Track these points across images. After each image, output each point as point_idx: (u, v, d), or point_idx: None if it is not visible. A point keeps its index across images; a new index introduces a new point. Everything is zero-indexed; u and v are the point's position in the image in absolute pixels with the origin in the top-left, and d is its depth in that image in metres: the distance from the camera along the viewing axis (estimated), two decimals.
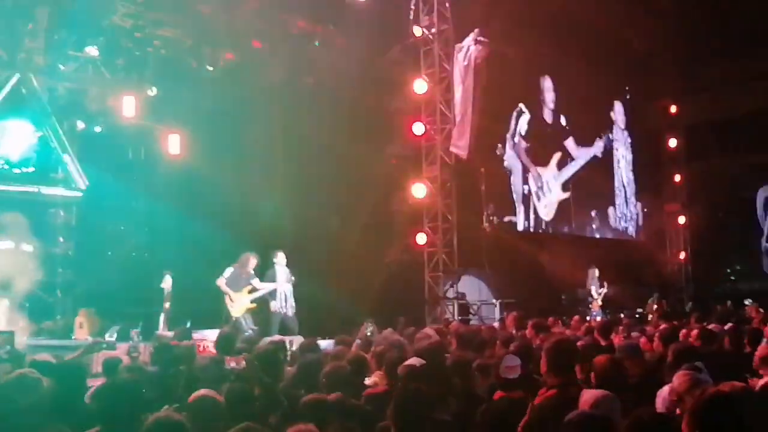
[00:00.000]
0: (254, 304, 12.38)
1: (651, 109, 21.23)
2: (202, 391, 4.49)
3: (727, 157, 20.45)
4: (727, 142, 20.27)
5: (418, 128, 15.25)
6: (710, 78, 19.99)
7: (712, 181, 20.75)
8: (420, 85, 15.26)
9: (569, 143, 18.55)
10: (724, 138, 20.23)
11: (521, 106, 17.50)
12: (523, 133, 17.42)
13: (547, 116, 18.30)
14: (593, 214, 19.35)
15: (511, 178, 17.15)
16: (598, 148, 19.40)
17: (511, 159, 17.19)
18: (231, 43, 15.28)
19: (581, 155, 18.77)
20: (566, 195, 18.07)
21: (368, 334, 12.01)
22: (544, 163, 17.89)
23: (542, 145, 17.94)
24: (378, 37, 15.24)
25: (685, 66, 20.48)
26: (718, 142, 20.42)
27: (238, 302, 12.17)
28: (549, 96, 18.32)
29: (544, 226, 17.70)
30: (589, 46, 17.49)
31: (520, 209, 17.20)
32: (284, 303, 12.53)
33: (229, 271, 12.29)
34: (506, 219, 16.83)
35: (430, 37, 15.37)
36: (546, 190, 17.66)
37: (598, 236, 19.44)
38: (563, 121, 18.49)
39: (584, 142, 19.04)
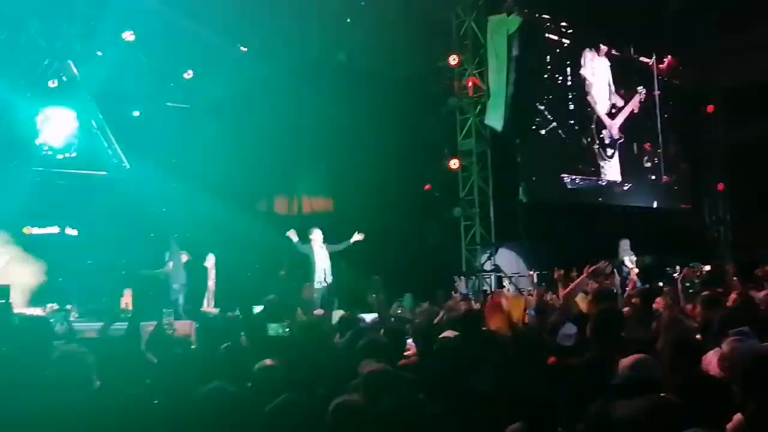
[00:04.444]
0: None
1: (688, 73, 20.88)
2: (260, 363, 4.63)
3: (767, 122, 20.07)
4: (766, 106, 19.87)
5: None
6: (749, 39, 19.59)
7: (752, 145, 20.38)
8: (453, 58, 15.23)
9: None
10: (764, 101, 19.83)
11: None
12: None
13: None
14: (634, 183, 19.19)
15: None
16: (634, 102, 19.27)
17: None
18: (264, 23, 15.35)
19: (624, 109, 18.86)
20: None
21: (399, 312, 12.13)
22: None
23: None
24: (410, 11, 15.20)
25: (722, 27, 20.07)
26: (758, 105, 20.02)
27: None
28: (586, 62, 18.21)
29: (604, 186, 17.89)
30: (622, 8, 17.26)
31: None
32: (323, 278, 12.68)
33: None
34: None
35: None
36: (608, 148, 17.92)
37: (643, 205, 19.31)
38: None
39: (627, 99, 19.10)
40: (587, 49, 18.29)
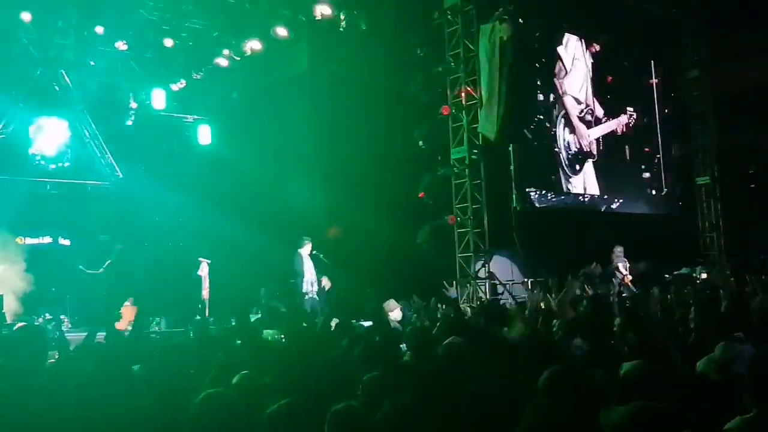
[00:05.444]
0: None
1: (679, 80, 20.94)
2: (244, 372, 4.60)
3: (759, 128, 20.17)
4: (758, 111, 19.97)
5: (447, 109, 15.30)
6: (739, 47, 19.70)
7: (744, 151, 20.46)
8: (446, 67, 15.24)
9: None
10: (755, 108, 19.93)
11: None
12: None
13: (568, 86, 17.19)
14: (624, 197, 18.94)
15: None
16: (620, 122, 18.62)
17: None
18: (256, 33, 15.38)
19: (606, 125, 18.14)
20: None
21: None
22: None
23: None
24: (401, 20, 15.23)
25: (713, 35, 20.17)
26: (749, 112, 20.12)
27: None
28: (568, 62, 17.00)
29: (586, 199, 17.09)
30: (612, 18, 17.27)
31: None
32: (311, 287, 12.79)
33: None
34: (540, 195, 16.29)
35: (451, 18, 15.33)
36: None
37: (641, 212, 19.09)
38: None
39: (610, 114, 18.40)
40: (569, 34, 16.79)
